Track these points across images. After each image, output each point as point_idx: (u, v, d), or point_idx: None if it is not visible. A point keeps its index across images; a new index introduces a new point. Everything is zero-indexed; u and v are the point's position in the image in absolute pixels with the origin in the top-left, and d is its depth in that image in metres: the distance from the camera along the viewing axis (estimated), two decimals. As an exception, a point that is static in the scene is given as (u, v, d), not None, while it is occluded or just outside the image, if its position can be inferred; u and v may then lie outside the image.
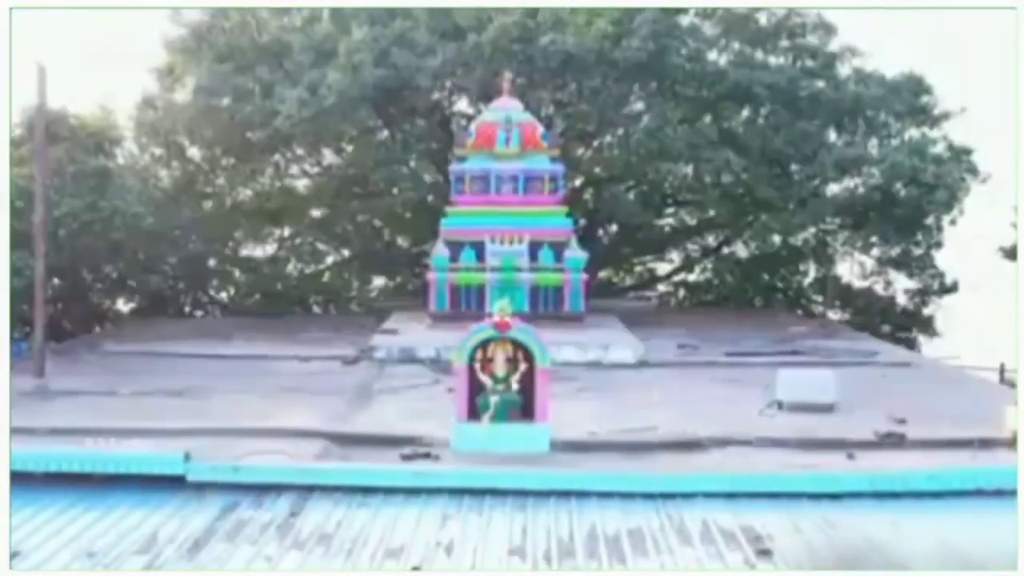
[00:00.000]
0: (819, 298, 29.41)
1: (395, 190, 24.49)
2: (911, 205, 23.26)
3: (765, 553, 9.18)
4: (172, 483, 10.60)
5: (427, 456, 11.72)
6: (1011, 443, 12.21)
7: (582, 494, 10.61)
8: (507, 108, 20.47)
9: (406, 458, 11.66)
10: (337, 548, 9.33)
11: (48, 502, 10.28)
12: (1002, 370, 26.45)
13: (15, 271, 17.54)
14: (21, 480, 10.57)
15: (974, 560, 9.28)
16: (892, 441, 12.16)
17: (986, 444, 12.09)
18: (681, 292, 31.06)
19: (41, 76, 15.43)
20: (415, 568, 8.75)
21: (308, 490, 10.61)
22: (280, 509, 10.19)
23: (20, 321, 21.17)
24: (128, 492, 10.47)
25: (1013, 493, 10.74)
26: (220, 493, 10.51)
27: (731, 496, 10.52)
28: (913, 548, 9.45)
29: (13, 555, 9.06)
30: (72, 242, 19.59)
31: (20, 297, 17.93)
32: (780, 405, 14.14)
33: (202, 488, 10.59)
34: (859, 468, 11.27)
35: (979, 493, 10.76)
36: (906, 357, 20.10)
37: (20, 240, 18.26)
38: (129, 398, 14.57)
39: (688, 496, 10.53)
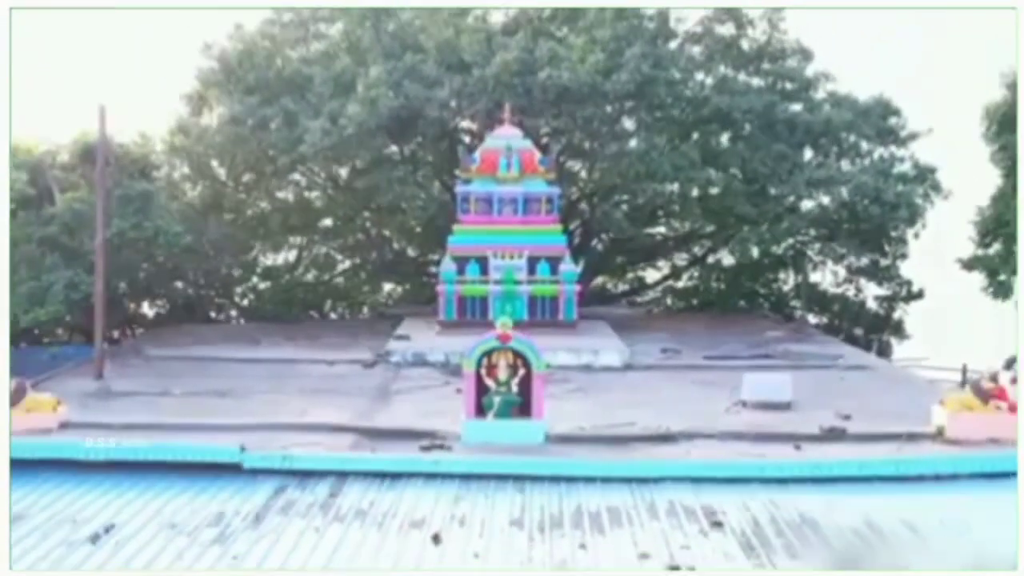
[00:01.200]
0: (797, 303, 30.48)
1: (404, 205, 26.06)
2: (875, 222, 24.76)
3: (717, 525, 10.97)
4: (230, 470, 12.33)
5: (441, 447, 13.24)
6: (935, 437, 13.86)
7: (570, 478, 12.18)
8: (508, 136, 21.88)
9: (424, 449, 13.19)
10: (371, 521, 10.98)
11: (130, 485, 11.96)
12: (964, 371, 28.26)
13: (71, 285, 19.32)
14: (109, 467, 12.45)
15: (892, 533, 11.09)
16: (834, 435, 13.76)
17: (913, 438, 13.59)
18: (670, 298, 32.00)
19: (102, 116, 17.09)
20: (435, 536, 10.66)
21: (344, 475, 12.23)
22: (322, 491, 11.83)
23: (69, 329, 22.96)
24: (194, 477, 12.13)
25: (932, 478, 12.57)
26: (271, 478, 12.13)
27: (694, 480, 12.09)
28: (841, 524, 11.13)
29: (108, 528, 10.95)
30: (115, 256, 21.23)
31: (76, 308, 19.72)
32: (744, 404, 15.71)
33: (255, 474, 12.20)
34: (802, 457, 13.04)
35: (902, 479, 12.62)
36: (865, 361, 21.36)
37: (74, 257, 20.09)
38: (181, 398, 16.15)
39: (658, 480, 12.10)
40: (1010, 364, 14.03)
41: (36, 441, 12.80)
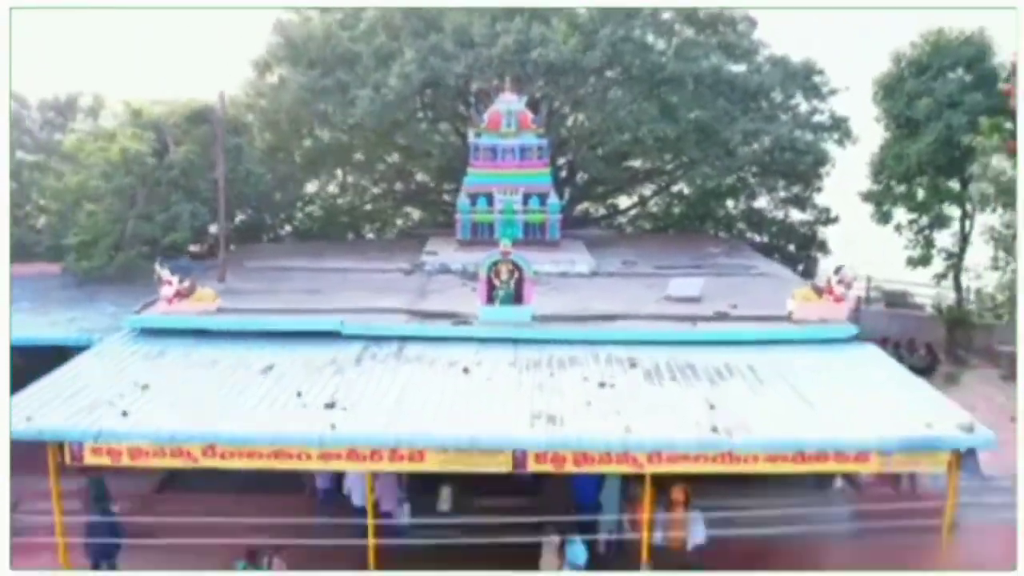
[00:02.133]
0: (743, 225, 35.26)
1: (430, 149, 31.31)
2: (789, 165, 30.01)
3: (634, 366, 17.17)
4: (333, 336, 18.27)
5: (466, 322, 18.74)
6: (787, 318, 19.22)
7: (546, 341, 18.10)
8: (508, 101, 26.59)
9: (455, 323, 18.75)
10: (425, 363, 16.88)
11: (272, 344, 17.96)
12: (868, 281, 34.17)
13: (194, 216, 25.21)
14: (257, 335, 18.36)
15: (737, 369, 16.75)
16: (719, 316, 19.36)
17: (770, 318, 19.10)
18: (640, 221, 36.48)
19: (222, 98, 22.94)
20: (465, 369, 17.12)
21: (406, 339, 18.18)
22: (392, 347, 17.78)
23: (179, 252, 28.26)
24: (311, 341, 18.04)
25: (774, 343, 18.27)
26: (359, 340, 18.11)
27: (624, 342, 18.05)
28: (708, 366, 16.88)
29: (271, 366, 17.38)
30: (213, 192, 25.33)
31: (199, 239, 25.75)
32: (668, 298, 21.13)
33: (350, 338, 18.18)
34: (694, 329, 18.87)
35: (756, 342, 18.29)
36: (770, 270, 25.89)
37: (192, 194, 25.84)
38: (287, 293, 21.34)
39: (602, 342, 18.07)
40: (838, 270, 20.03)
41: (211, 318, 19.09)
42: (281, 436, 13.71)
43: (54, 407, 14.82)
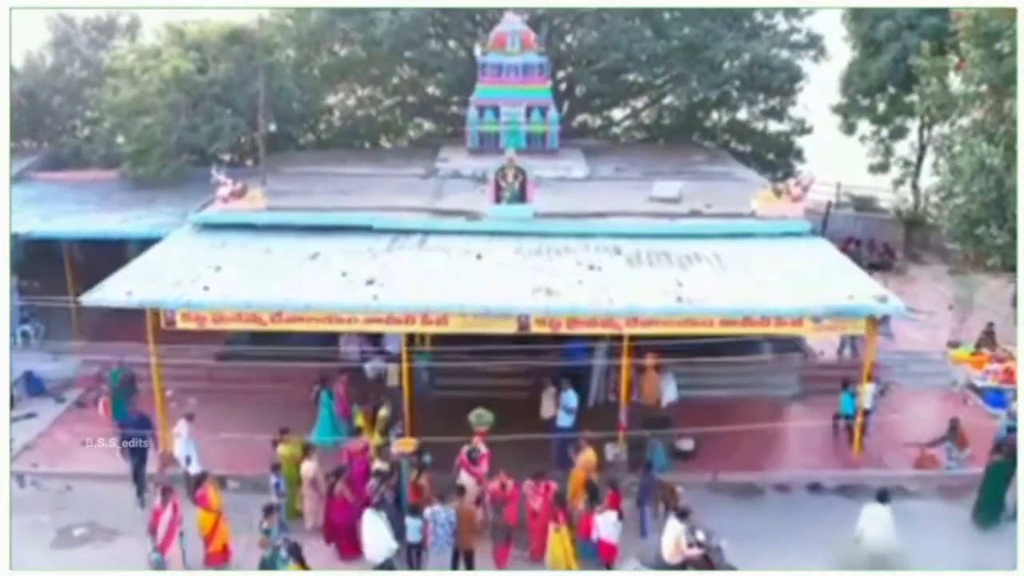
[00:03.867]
0: (727, 136, 37.14)
1: (441, 65, 34.17)
2: (766, 80, 32.33)
3: (618, 252, 20.34)
4: (364, 230, 21.01)
5: (478, 218, 21.34)
6: (751, 215, 22.04)
7: (545, 233, 20.77)
8: (512, 23, 28.64)
9: (468, 219, 21.36)
10: (444, 251, 19.60)
11: (316, 236, 20.93)
12: (838, 186, 37.26)
13: (234, 128, 28.15)
14: (302, 229, 21.43)
15: (704, 257, 20.25)
16: (693, 214, 22.04)
17: (737, 215, 21.83)
18: (633, 132, 38.29)
19: (261, 20, 25.71)
20: (478, 255, 20.30)
21: (427, 232, 20.88)
22: (416, 239, 20.44)
23: (218, 160, 30.81)
24: (347, 234, 20.74)
25: (738, 235, 21.33)
26: (388, 233, 20.77)
27: (611, 235, 20.72)
28: (680, 254, 19.63)
29: (317, 253, 20.65)
30: (249, 106, 27.69)
31: (234, 148, 28.66)
32: (652, 198, 23.72)
33: (379, 231, 20.85)
34: (672, 224, 21.82)
35: (723, 235, 21.10)
36: (745, 175, 28.04)
37: (232, 108, 28.67)
38: (324, 194, 23.82)
39: (592, 235, 20.74)
40: (795, 174, 23.06)
41: (262, 215, 21.99)
42: (335, 304, 16.99)
43: (147, 284, 18.01)
